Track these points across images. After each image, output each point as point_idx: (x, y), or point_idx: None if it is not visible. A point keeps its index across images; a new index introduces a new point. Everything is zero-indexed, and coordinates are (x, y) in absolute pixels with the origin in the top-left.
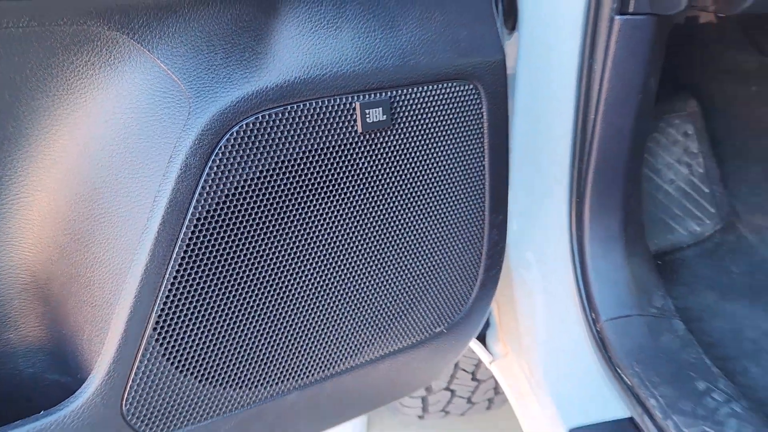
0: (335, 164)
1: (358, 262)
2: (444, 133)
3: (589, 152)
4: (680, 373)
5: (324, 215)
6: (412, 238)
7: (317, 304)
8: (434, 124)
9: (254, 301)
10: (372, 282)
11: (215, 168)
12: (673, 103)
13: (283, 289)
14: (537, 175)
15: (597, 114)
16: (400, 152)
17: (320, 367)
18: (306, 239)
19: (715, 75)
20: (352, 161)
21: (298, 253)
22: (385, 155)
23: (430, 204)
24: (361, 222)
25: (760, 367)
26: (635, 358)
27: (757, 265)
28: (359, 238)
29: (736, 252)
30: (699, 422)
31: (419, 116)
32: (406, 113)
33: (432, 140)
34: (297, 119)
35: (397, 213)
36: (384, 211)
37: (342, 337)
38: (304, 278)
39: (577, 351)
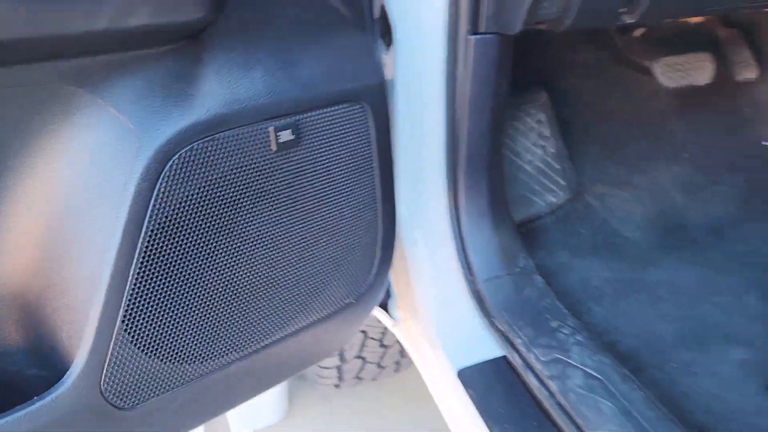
0: (256, 178)
1: (281, 253)
2: (341, 144)
3: (459, 146)
4: (538, 316)
5: (251, 218)
6: (322, 229)
7: (251, 289)
8: (332, 138)
9: (200, 291)
10: (293, 267)
11: (162, 189)
12: (529, 95)
13: (223, 279)
14: (419, 168)
15: (462, 113)
16: (307, 164)
17: (256, 341)
18: (239, 238)
19: (563, 69)
20: (269, 174)
21: (234, 250)
22: (295, 167)
23: (334, 202)
24: (281, 221)
25: (601, 306)
26: (505, 308)
27: (599, 227)
28: (281, 233)
29: (583, 217)
30: (552, 351)
31: (320, 133)
32: (310, 132)
33: (332, 151)
34: (223, 145)
35: (308, 211)
36: (298, 211)
37: (272, 314)
38: (240, 269)
39: (460, 308)
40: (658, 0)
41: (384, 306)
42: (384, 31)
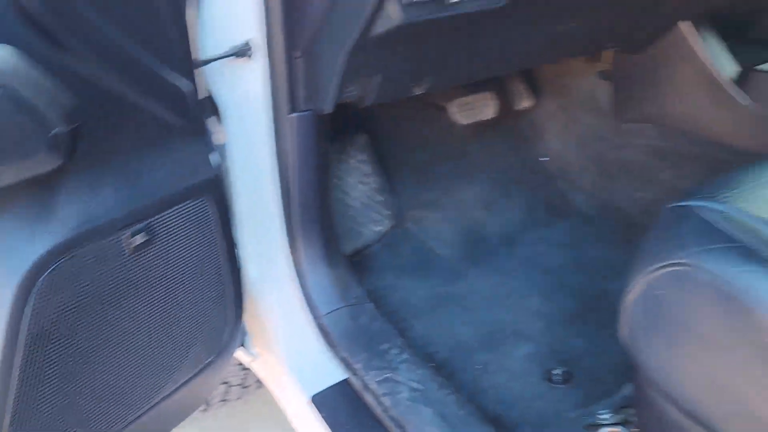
0: (118, 279)
1: (145, 336)
2: (188, 235)
3: (292, 203)
4: (372, 341)
5: (117, 313)
6: (178, 308)
7: (122, 372)
8: (181, 231)
9: (77, 382)
10: (157, 346)
11: (34, 307)
12: (351, 139)
13: (96, 368)
14: (261, 226)
15: (293, 177)
16: (161, 257)
17: (132, 413)
18: (107, 332)
19: (378, 111)
20: (129, 273)
21: (104, 342)
22: (151, 262)
23: (187, 283)
24: (142, 310)
25: (420, 321)
26: (344, 337)
27: (417, 248)
28: (143, 320)
29: (404, 240)
30: (384, 372)
31: (170, 229)
32: (161, 230)
33: (181, 242)
34: (85, 259)
35: (166, 296)
36: (157, 298)
37: (142, 388)
38: (111, 357)
39: (308, 341)
40: (439, 78)
41: (241, 344)
42: (213, 110)
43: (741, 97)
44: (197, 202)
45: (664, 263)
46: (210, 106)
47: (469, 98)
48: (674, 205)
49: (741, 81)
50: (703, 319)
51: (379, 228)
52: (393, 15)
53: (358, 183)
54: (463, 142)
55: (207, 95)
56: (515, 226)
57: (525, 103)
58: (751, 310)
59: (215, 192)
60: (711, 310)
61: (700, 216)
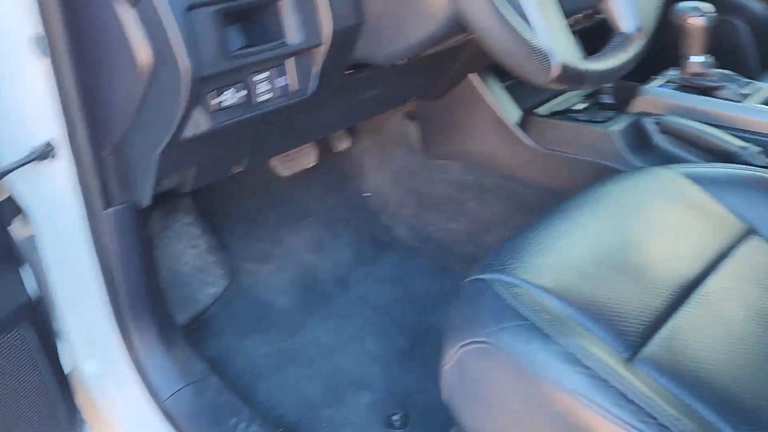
0: None
1: None
2: (7, 370)
3: (118, 291)
4: (220, 417)
5: None
6: None
7: None
8: (6, 365)
9: None
10: None
11: None
12: (173, 203)
13: None
14: (90, 321)
15: (115, 267)
16: None
17: None
18: None
19: None
20: None
21: None
22: None
23: (15, 413)
24: None
25: (265, 384)
26: (190, 418)
27: (254, 303)
28: None
29: (240, 298)
30: None
31: None
32: None
33: (8, 375)
34: None
35: None
36: None
37: None
38: None
39: (153, 428)
40: (257, 156)
41: None
42: (16, 211)
43: (524, 138)
44: (12, 334)
45: (469, 341)
46: (12, 208)
47: (290, 150)
48: (471, 279)
49: (523, 124)
50: (506, 392)
51: (213, 289)
52: (201, 122)
53: (188, 247)
54: (288, 188)
55: (7, 196)
56: (346, 266)
57: (343, 144)
58: (539, 383)
59: (32, 316)
60: (510, 384)
61: (494, 291)
